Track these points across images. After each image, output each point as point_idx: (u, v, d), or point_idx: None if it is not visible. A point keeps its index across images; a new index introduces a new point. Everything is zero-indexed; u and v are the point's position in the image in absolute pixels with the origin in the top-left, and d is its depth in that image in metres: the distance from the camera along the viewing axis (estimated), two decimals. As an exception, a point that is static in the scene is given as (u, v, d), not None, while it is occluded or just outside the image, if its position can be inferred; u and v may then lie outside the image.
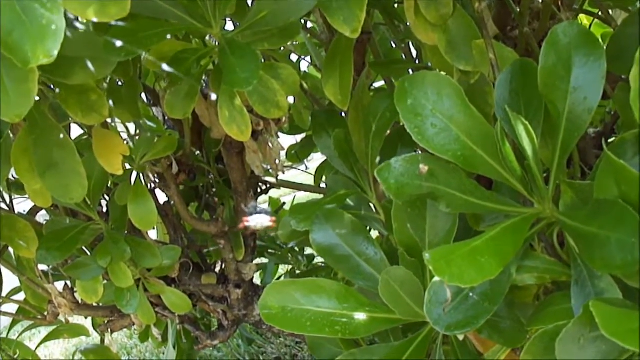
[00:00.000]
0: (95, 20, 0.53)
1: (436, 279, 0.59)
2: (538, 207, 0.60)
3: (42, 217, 1.05)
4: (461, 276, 0.48)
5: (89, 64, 0.64)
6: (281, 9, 0.68)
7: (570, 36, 0.57)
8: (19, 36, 0.47)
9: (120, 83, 0.90)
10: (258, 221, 0.65)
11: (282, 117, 0.92)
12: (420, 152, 0.67)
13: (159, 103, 1.01)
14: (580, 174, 0.74)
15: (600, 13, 0.88)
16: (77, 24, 0.64)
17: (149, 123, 1.17)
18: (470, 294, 0.55)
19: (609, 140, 0.95)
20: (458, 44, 0.76)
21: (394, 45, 1.24)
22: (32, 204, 0.99)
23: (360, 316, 0.68)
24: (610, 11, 1.19)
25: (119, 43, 0.62)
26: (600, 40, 1.27)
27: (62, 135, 0.68)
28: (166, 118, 1.28)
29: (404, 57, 1.05)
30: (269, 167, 0.95)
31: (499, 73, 0.70)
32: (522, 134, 0.55)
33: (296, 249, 1.50)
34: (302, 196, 1.54)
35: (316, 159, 1.58)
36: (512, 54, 0.74)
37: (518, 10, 0.83)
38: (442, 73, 0.64)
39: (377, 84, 1.32)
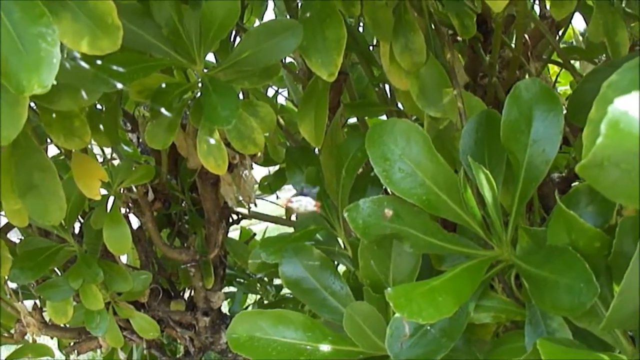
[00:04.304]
0: (87, 52, 0.56)
1: (398, 314, 0.62)
2: (497, 250, 0.63)
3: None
4: (420, 313, 0.51)
5: (76, 93, 0.67)
6: (263, 51, 0.71)
7: (532, 92, 0.62)
8: (14, 64, 0.49)
9: (99, 107, 0.92)
10: (302, 204, 0.65)
11: (261, 152, 0.95)
12: (384, 195, 0.70)
13: (137, 129, 1.04)
14: (540, 219, 0.78)
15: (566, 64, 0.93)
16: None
17: (125, 148, 1.19)
18: (430, 329, 0.58)
19: (573, 184, 1.00)
20: (429, 91, 0.81)
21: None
22: (4, 222, 1.00)
23: (325, 348, 0.70)
24: (578, 63, 1.25)
25: (106, 75, 0.65)
26: (569, 87, 1.34)
27: (43, 158, 0.70)
28: (140, 141, 1.30)
29: (378, 98, 1.09)
30: (241, 199, 0.98)
31: (466, 121, 0.75)
32: (482, 182, 0.59)
33: (265, 279, 1.52)
34: (273, 227, 1.57)
35: (287, 189, 1.61)
36: (480, 103, 0.78)
37: (488, 59, 0.88)
38: (410, 121, 0.68)
39: (351, 119, 1.36)
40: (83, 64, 0.56)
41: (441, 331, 0.59)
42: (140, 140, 1.21)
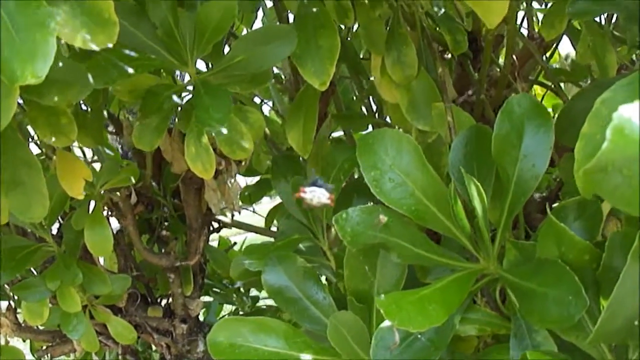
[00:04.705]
0: (82, 46, 0.55)
1: (383, 324, 0.62)
2: (483, 263, 0.64)
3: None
4: (410, 321, 0.51)
5: (66, 88, 0.66)
6: (256, 56, 0.71)
7: (524, 107, 0.62)
8: (8, 54, 0.48)
9: (84, 107, 0.91)
10: (315, 195, 0.62)
11: (244, 159, 0.94)
12: (373, 204, 0.70)
13: (121, 132, 1.03)
14: (524, 235, 0.79)
15: (553, 86, 0.94)
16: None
17: (107, 151, 1.18)
18: (420, 337, 0.58)
19: (553, 205, 1.01)
20: (419, 104, 0.81)
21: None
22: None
23: (307, 357, 0.69)
24: (562, 85, 1.27)
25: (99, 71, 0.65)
26: (551, 111, 1.36)
27: (28, 153, 0.69)
28: (123, 148, 1.29)
29: (364, 111, 1.10)
30: (224, 206, 0.97)
31: (455, 135, 0.75)
32: (473, 194, 0.60)
33: (241, 289, 1.51)
34: (251, 237, 1.56)
35: (264, 202, 1.61)
36: (469, 119, 0.79)
37: (477, 76, 0.89)
38: (401, 131, 0.69)
39: (335, 134, 1.36)
40: (94, 46, 0.54)
41: (428, 341, 0.58)
42: (122, 144, 1.20)
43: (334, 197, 0.62)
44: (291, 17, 0.96)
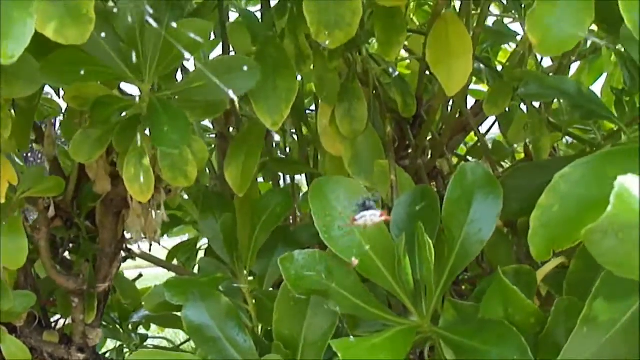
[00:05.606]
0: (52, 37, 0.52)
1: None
2: (418, 321, 0.64)
3: None
4: (364, 367, 0.50)
5: (13, 80, 0.62)
6: (215, 84, 0.70)
7: (476, 175, 0.65)
8: (-20, 30, 0.45)
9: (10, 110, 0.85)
10: (367, 219, 0.58)
11: (178, 189, 0.91)
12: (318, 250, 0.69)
13: (41, 141, 0.97)
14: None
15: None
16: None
17: (17, 160, 1.10)
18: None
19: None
20: (363, 159, 0.82)
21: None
22: None
23: (224, 399, 0.67)
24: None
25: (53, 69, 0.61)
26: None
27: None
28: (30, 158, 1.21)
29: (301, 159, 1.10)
30: (143, 235, 0.92)
31: (397, 194, 0.77)
32: (424, 251, 0.61)
33: (130, 326, 1.43)
34: (147, 274, 1.49)
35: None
36: (409, 181, 0.81)
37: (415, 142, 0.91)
38: (355, 181, 0.69)
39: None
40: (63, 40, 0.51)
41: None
42: (37, 154, 1.13)
43: (385, 212, 0.59)
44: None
